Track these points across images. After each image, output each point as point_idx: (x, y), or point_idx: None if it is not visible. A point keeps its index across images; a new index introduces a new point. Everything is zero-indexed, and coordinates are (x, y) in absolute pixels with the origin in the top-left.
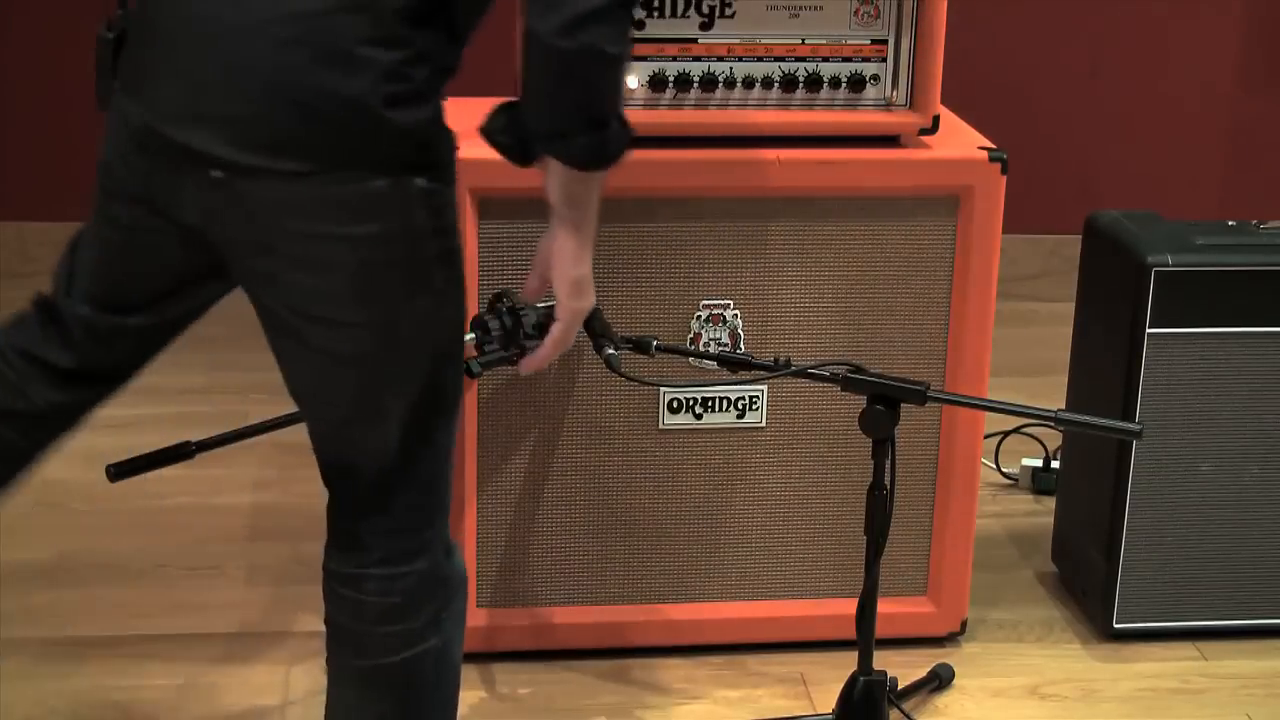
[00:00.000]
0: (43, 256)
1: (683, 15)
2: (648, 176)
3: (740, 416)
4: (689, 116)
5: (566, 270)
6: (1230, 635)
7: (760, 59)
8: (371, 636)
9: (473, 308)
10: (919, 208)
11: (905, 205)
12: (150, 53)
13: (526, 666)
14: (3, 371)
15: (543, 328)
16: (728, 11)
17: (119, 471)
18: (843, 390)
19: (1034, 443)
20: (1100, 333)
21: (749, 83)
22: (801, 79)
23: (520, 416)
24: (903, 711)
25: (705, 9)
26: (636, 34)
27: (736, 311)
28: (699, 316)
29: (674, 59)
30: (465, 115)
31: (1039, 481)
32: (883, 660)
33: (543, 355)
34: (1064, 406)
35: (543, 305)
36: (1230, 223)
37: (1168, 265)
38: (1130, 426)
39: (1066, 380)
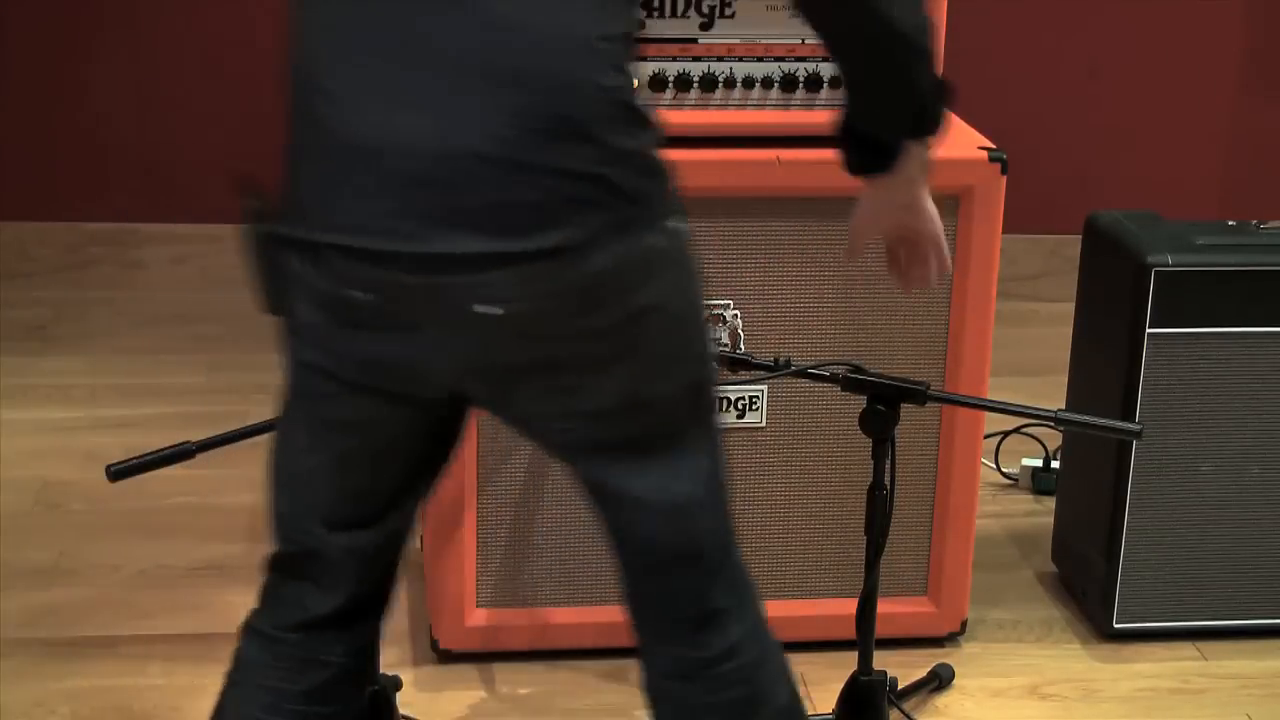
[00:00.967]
0: (43, 256)
1: (683, 15)
2: None
3: (740, 416)
4: (689, 117)
5: (937, 223)
6: (1230, 635)
7: (760, 59)
8: (765, 690)
9: None
10: None
11: None
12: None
13: (526, 666)
14: (291, 655)
15: None
16: (728, 11)
17: (119, 471)
18: (843, 390)
19: (1034, 443)
20: (1100, 333)
21: (749, 83)
22: (801, 79)
23: None
24: (903, 711)
25: (705, 9)
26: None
27: (736, 312)
28: None
29: (674, 59)
30: None
31: (1039, 481)
32: (883, 660)
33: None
34: (1064, 406)
35: None
36: (1230, 223)
37: (1168, 265)
38: (1130, 427)
39: (1066, 380)
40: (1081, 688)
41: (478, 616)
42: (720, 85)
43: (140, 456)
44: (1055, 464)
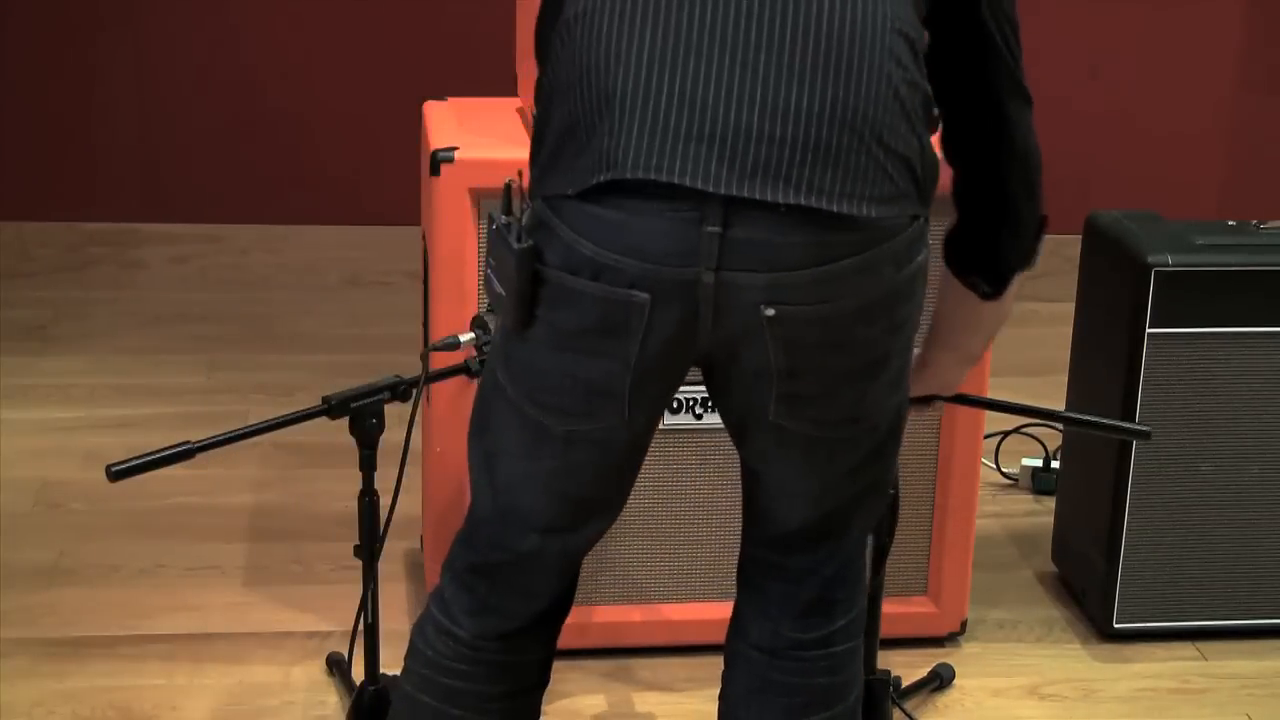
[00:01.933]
0: (43, 256)
1: None
2: None
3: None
4: None
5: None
6: (1230, 635)
7: None
8: (844, 684)
9: (472, 308)
10: None
11: None
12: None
13: None
14: (491, 661)
15: None
16: None
17: (119, 471)
18: None
19: (1034, 443)
20: (1100, 333)
21: None
22: None
23: None
24: (904, 711)
25: None
26: None
27: None
28: None
29: None
30: (467, 115)
31: (1039, 481)
32: (883, 660)
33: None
34: (1064, 406)
35: None
36: (1230, 223)
37: (1168, 265)
38: (1139, 428)
39: (1066, 380)
40: (1081, 688)
41: None
42: None
43: (140, 456)
44: (1055, 464)
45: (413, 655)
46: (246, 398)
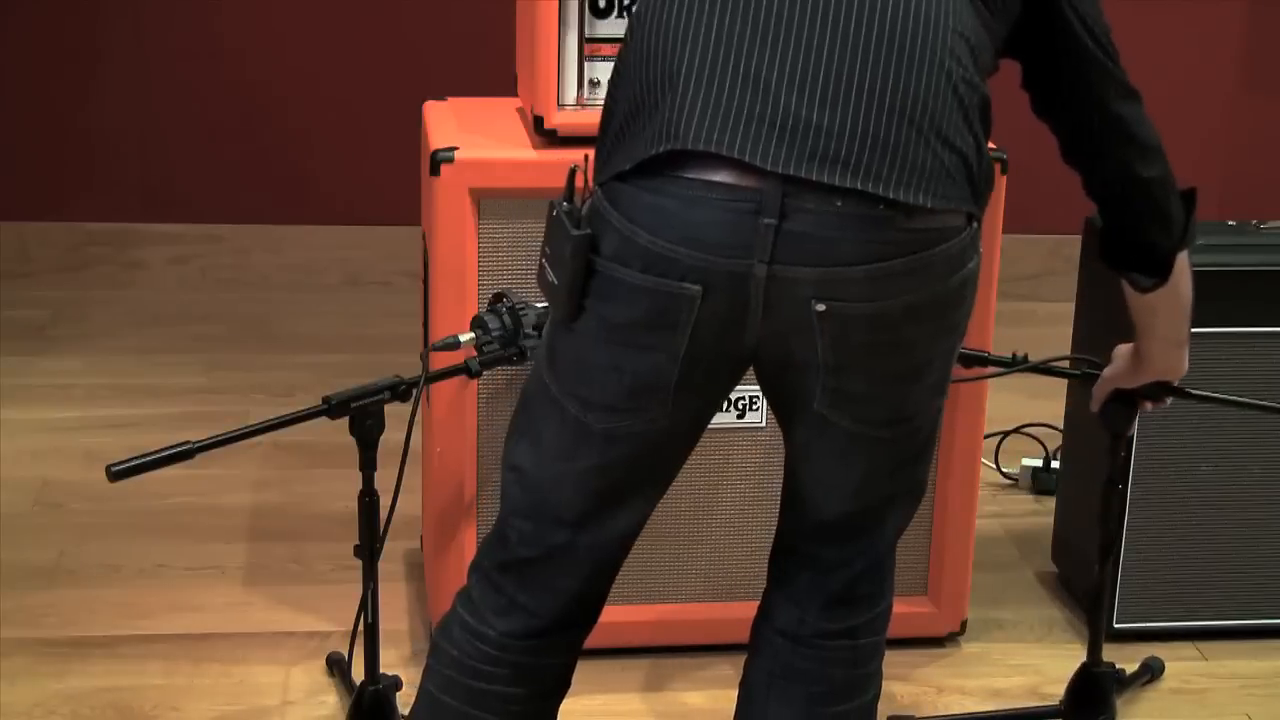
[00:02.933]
0: (43, 256)
1: None
2: None
3: (740, 416)
4: None
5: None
6: (1230, 635)
7: None
8: (864, 678)
9: (473, 307)
10: None
11: None
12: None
13: None
14: (516, 662)
15: (542, 328)
16: None
17: (119, 471)
18: (1083, 385)
19: (1034, 443)
20: (1100, 333)
21: None
22: None
23: None
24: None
25: None
26: None
27: None
28: None
29: None
30: (467, 115)
31: (1039, 481)
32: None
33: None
34: (1064, 406)
35: (542, 305)
36: (1230, 223)
37: None
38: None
39: (1066, 380)
40: None
41: None
42: None
43: (140, 456)
44: (1055, 464)
45: (436, 655)
46: (246, 398)
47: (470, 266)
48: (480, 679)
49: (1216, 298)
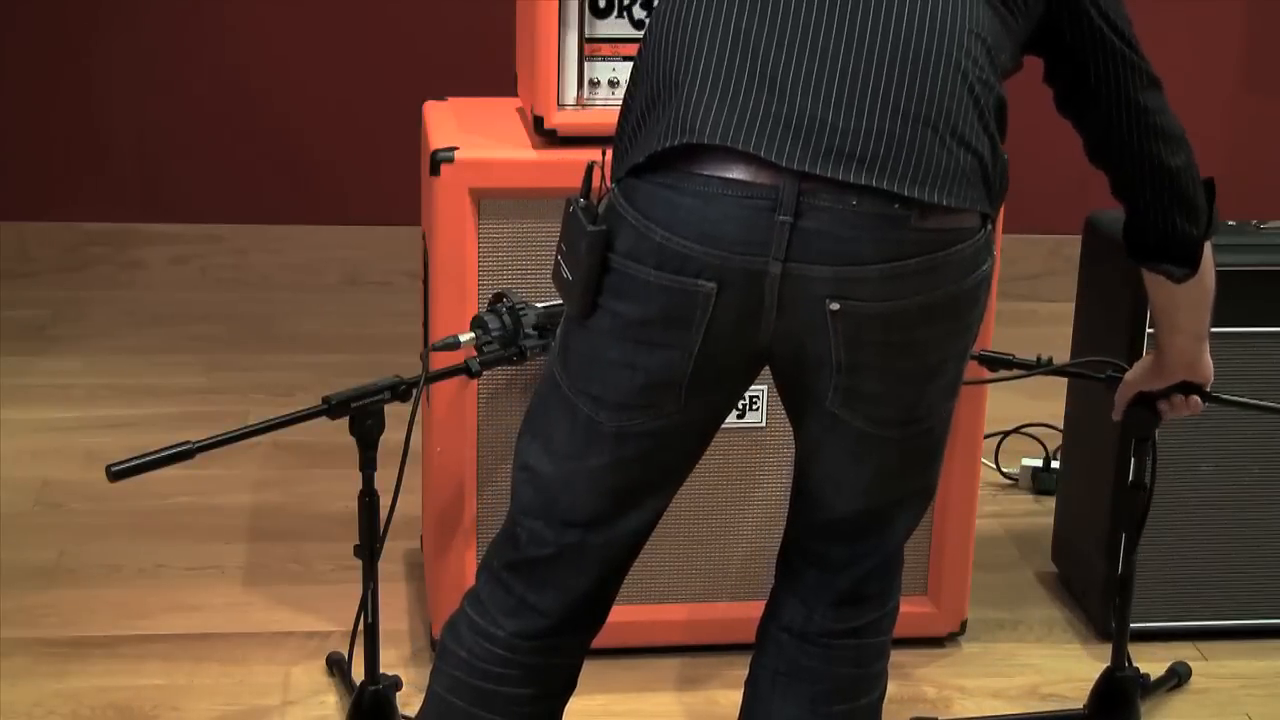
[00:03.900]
0: (43, 256)
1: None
2: None
3: (740, 416)
4: None
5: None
6: (1230, 635)
7: None
8: (870, 677)
9: (473, 307)
10: None
11: None
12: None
13: None
14: (524, 663)
15: (542, 328)
16: None
17: (119, 471)
18: (1108, 389)
19: (1034, 443)
20: (1100, 333)
21: None
22: None
23: (520, 416)
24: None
25: None
26: (635, 34)
27: None
28: None
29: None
30: (467, 115)
31: (1039, 481)
32: None
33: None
34: (1064, 406)
35: (542, 305)
36: (1230, 223)
37: None
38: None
39: (1066, 380)
40: (1081, 688)
41: None
42: None
43: (140, 456)
44: (1055, 464)
45: (444, 656)
46: (246, 398)
47: (470, 266)
48: (489, 680)
49: (1217, 298)
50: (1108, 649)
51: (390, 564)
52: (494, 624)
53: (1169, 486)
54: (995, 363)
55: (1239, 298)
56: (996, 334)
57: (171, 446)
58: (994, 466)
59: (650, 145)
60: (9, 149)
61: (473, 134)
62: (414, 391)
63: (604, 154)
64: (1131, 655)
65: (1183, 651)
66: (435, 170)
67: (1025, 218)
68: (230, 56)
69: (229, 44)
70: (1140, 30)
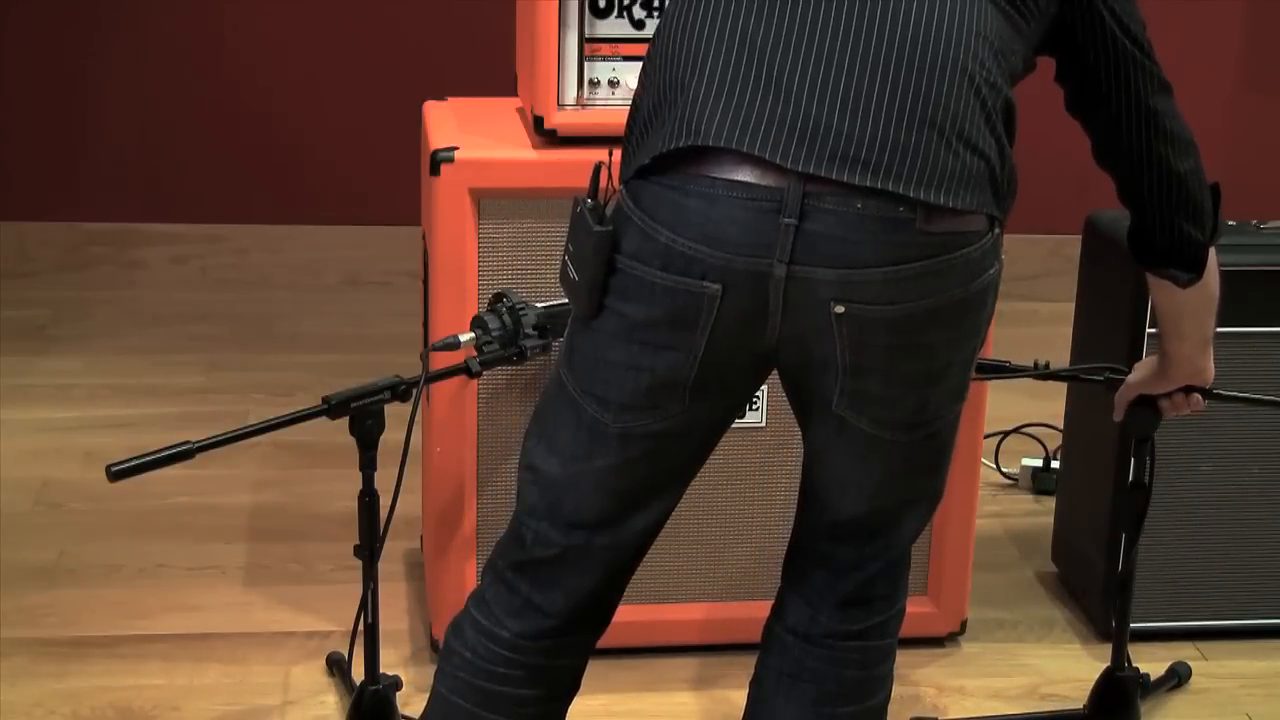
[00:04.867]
0: (43, 256)
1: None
2: None
3: (740, 416)
4: None
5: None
6: (1230, 635)
7: None
8: (875, 680)
9: (473, 307)
10: None
11: None
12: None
13: None
14: (528, 664)
15: (542, 328)
16: None
17: (119, 471)
18: (1108, 392)
19: (1034, 443)
20: (1100, 333)
21: None
22: None
23: (520, 416)
24: None
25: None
26: (635, 33)
27: None
28: None
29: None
30: (467, 115)
31: (1039, 481)
32: None
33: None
34: (1064, 406)
35: (542, 305)
36: (1230, 223)
37: None
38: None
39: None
40: (1081, 688)
41: None
42: None
43: (140, 456)
44: (1055, 464)
45: (448, 657)
46: (246, 398)
47: (470, 266)
48: (493, 680)
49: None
50: (1108, 649)
51: (390, 564)
52: (499, 624)
53: (1169, 486)
54: (993, 369)
55: (1239, 298)
56: (996, 334)
57: (171, 446)
58: (994, 466)
59: (656, 147)
60: (9, 149)
61: (473, 134)
62: (414, 391)
63: (610, 155)
64: (1131, 655)
65: (1183, 651)
66: (435, 170)
67: (1025, 218)
68: (230, 56)
69: (229, 44)
70: None
